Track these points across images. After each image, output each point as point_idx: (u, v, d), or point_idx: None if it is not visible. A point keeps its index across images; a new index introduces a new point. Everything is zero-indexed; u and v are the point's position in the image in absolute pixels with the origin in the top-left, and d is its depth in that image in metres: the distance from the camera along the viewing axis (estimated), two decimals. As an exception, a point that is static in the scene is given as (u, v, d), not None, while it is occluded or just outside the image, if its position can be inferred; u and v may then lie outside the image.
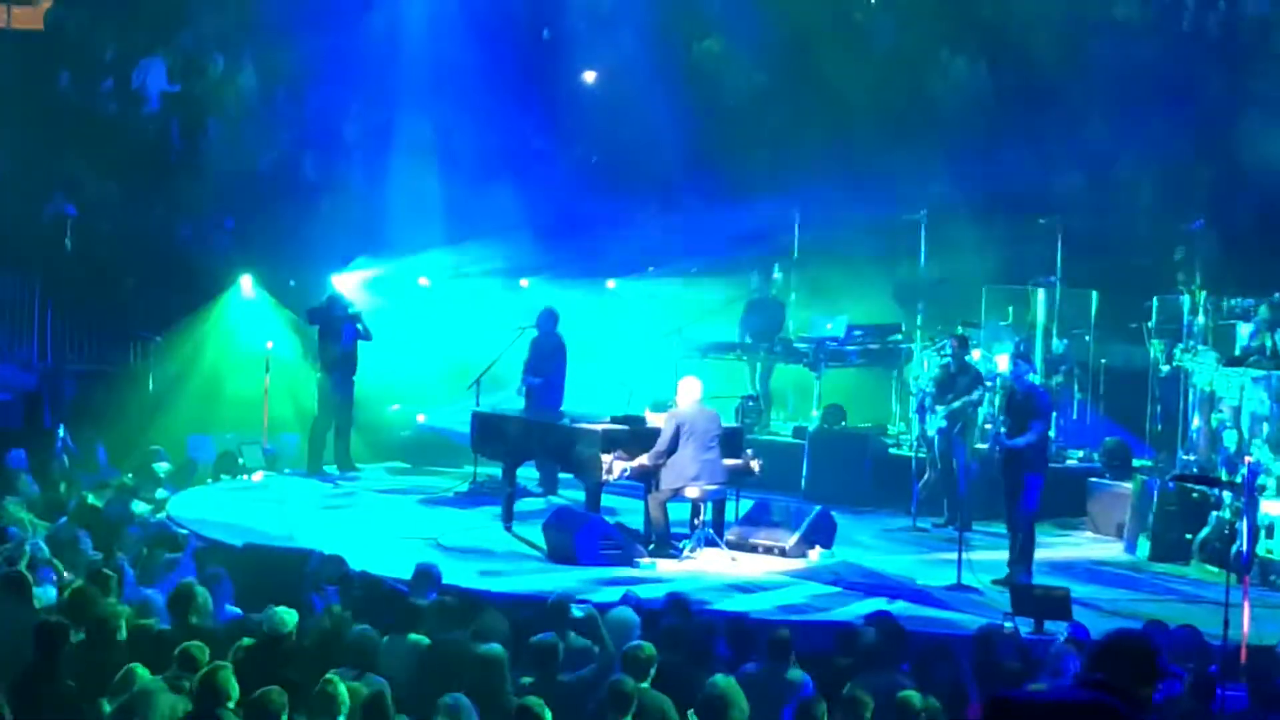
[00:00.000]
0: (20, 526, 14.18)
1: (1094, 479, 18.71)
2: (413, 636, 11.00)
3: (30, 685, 9.65)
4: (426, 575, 12.41)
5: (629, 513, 16.46)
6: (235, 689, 9.07)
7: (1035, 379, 15.49)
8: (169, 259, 22.95)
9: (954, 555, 14.96)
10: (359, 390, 20.59)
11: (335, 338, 20.20)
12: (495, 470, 18.00)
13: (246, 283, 22.72)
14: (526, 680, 10.26)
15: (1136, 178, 22.71)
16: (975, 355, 18.36)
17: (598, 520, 15.55)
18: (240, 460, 20.38)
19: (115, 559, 13.52)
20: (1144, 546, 16.88)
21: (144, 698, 9.41)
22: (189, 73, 25.36)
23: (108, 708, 9.63)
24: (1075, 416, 20.06)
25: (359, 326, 20.34)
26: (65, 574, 12.79)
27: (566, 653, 10.79)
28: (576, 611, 11.85)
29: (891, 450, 19.74)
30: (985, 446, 17.12)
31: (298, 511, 17.75)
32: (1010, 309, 20.24)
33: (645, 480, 15.63)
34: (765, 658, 10.56)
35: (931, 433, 17.75)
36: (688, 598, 12.14)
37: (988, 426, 17.63)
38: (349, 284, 21.68)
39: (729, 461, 15.68)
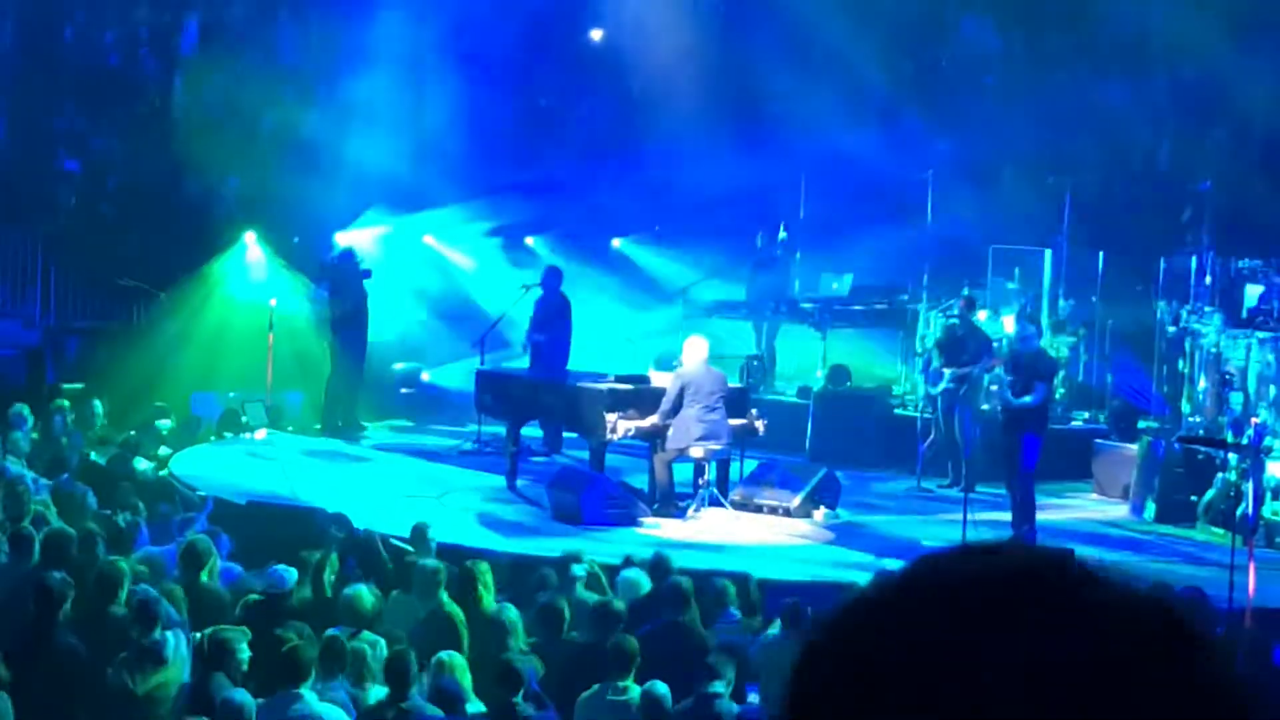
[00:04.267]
0: (23, 483, 14.13)
1: (1099, 440, 18.65)
2: (416, 596, 10.97)
3: (30, 644, 9.62)
4: (422, 534, 12.43)
5: (633, 472, 16.43)
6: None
7: (1041, 342, 15.41)
8: (172, 215, 22.87)
9: (959, 516, 14.92)
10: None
11: (348, 294, 20.04)
12: (499, 429, 17.96)
13: (250, 239, 22.64)
14: (531, 640, 10.23)
15: (1145, 138, 22.59)
16: (982, 316, 18.29)
17: (602, 480, 15.51)
18: (243, 418, 20.31)
19: (119, 516, 13.49)
20: (1149, 508, 16.83)
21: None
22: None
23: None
24: (1081, 378, 19.98)
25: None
26: (67, 530, 12.73)
27: (571, 612, 10.76)
28: (580, 570, 11.82)
29: (897, 411, 19.67)
30: (989, 408, 17.05)
31: (301, 469, 17.71)
32: (1017, 270, 20.14)
33: (650, 440, 15.59)
34: (783, 625, 10.53)
35: (935, 393, 17.69)
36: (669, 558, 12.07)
37: (993, 388, 17.56)
38: (362, 240, 21.59)
39: (734, 421, 15.63)
